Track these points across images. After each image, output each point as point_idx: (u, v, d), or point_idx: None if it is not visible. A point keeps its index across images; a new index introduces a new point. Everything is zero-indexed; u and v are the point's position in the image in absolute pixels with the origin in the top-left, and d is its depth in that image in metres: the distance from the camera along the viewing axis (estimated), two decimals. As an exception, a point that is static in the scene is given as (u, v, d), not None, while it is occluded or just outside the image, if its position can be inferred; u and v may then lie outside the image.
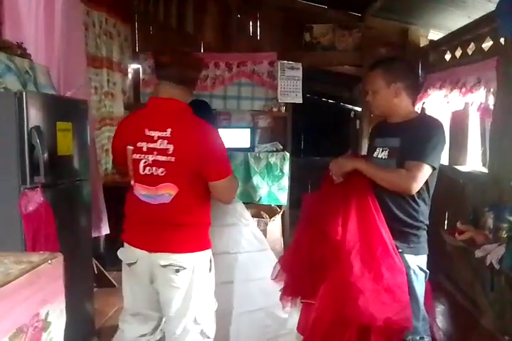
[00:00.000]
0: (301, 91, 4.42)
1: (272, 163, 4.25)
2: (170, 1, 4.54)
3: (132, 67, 4.52)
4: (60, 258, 1.14)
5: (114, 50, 3.97)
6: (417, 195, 1.69)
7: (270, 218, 4.08)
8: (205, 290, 1.71)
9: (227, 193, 1.74)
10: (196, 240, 1.68)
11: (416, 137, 1.67)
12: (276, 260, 2.54)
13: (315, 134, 8.42)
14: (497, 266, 2.08)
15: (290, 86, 4.42)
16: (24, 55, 2.21)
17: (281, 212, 4.24)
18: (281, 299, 1.91)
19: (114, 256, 3.56)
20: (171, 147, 1.57)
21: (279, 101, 4.46)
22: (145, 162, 1.61)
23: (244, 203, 4.25)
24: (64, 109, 2.23)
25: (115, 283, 3.31)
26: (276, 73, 4.42)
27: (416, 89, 1.85)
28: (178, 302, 1.66)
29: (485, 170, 2.90)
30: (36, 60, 2.32)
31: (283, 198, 4.30)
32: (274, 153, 4.29)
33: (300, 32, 4.46)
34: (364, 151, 4.56)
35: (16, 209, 1.85)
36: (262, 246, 2.48)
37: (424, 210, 1.74)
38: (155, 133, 1.60)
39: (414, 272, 1.71)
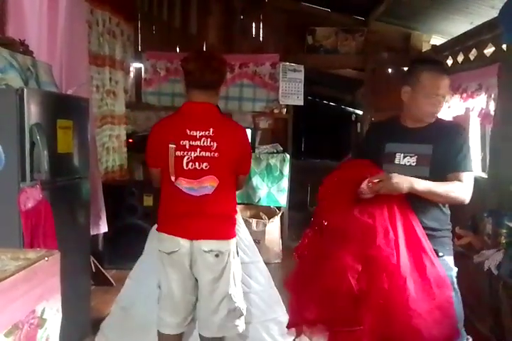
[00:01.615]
0: (302, 93, 4.42)
1: (272, 164, 4.25)
2: (174, 1, 4.55)
3: (134, 66, 4.53)
4: (57, 255, 1.14)
5: (117, 48, 3.98)
6: None
7: (269, 219, 4.08)
8: (237, 271, 1.94)
9: (242, 186, 2.03)
10: (231, 229, 1.91)
11: (455, 145, 1.66)
12: (267, 272, 2.51)
13: (316, 136, 8.42)
14: (495, 272, 2.08)
15: (292, 88, 4.43)
16: (27, 52, 2.22)
17: (280, 214, 4.23)
18: (301, 328, 1.74)
19: (112, 254, 3.61)
20: (214, 144, 1.79)
21: (281, 103, 4.46)
22: (188, 158, 1.80)
23: (243, 204, 4.30)
24: (65, 106, 2.23)
25: (113, 281, 3.30)
26: (278, 75, 4.42)
27: None
28: (215, 282, 1.86)
29: (484, 175, 2.90)
30: (39, 57, 2.33)
31: (282, 200, 4.30)
32: (275, 155, 4.29)
33: (303, 34, 4.47)
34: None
35: (14, 205, 1.85)
36: (254, 257, 2.44)
37: (449, 213, 1.76)
38: (197, 133, 1.80)
39: (455, 273, 1.71)
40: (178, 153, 1.80)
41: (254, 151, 4.33)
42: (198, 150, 1.79)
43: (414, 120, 1.74)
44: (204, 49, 4.55)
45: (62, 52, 2.61)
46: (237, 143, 1.85)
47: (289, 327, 1.78)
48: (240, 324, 1.97)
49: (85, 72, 2.89)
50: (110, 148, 3.88)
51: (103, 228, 3.09)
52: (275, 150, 4.37)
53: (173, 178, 1.83)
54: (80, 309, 2.38)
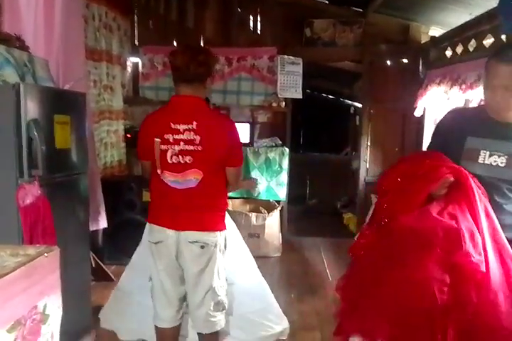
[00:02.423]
0: (301, 86, 4.40)
1: (271, 158, 4.25)
2: (170, -6, 4.52)
3: (132, 60, 4.50)
4: (56, 251, 1.14)
5: (114, 43, 3.95)
6: None
7: (268, 213, 4.09)
8: (221, 264, 1.93)
9: (237, 179, 1.99)
10: (218, 221, 1.91)
11: None
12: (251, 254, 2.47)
13: (314, 130, 8.40)
14: None
15: (290, 81, 4.41)
16: (23, 47, 2.20)
17: (279, 208, 4.24)
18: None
19: (111, 249, 3.62)
20: (197, 138, 1.79)
21: (279, 96, 4.45)
22: (172, 152, 1.81)
23: (242, 198, 4.30)
24: (62, 101, 2.22)
25: (113, 277, 3.31)
26: (276, 68, 4.40)
27: None
28: (200, 274, 1.88)
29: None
30: (35, 52, 2.31)
31: (282, 193, 4.30)
32: (273, 149, 4.29)
33: (301, 27, 4.45)
34: (364, 147, 4.61)
35: (13, 202, 1.85)
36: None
37: None
38: (180, 127, 1.80)
39: None
40: (162, 147, 1.82)
41: (252, 145, 4.33)
42: (182, 143, 1.80)
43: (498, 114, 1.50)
44: (201, 42, 4.53)
45: (59, 47, 2.59)
46: (222, 136, 1.83)
47: (336, 333, 1.63)
48: (222, 318, 1.97)
49: (82, 67, 2.87)
50: (108, 144, 3.87)
51: (102, 223, 3.09)
52: (274, 144, 4.37)
53: (159, 171, 1.86)
54: (80, 304, 2.38)
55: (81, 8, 3.04)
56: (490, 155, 1.49)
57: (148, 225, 1.98)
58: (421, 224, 1.41)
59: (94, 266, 3.11)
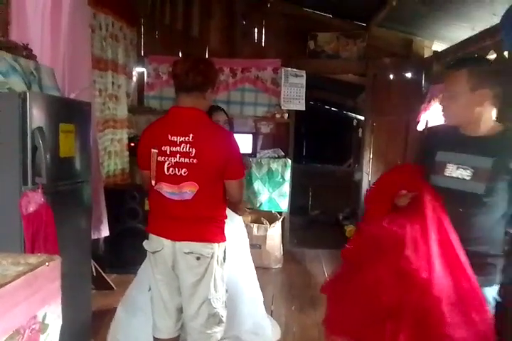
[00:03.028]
0: (304, 98, 4.43)
1: (273, 169, 4.25)
2: (176, 5, 4.58)
3: (137, 70, 4.54)
4: (57, 260, 1.13)
5: (120, 52, 3.99)
6: None
7: (270, 224, 4.07)
8: (219, 276, 1.90)
9: (239, 192, 1.94)
10: (215, 233, 1.88)
11: None
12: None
13: (317, 141, 8.43)
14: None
15: (293, 93, 4.44)
16: (30, 55, 2.23)
17: (281, 219, 4.23)
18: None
19: (113, 258, 3.60)
20: (193, 150, 1.78)
21: (282, 107, 4.47)
22: (169, 164, 1.80)
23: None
24: (67, 110, 2.24)
25: (113, 286, 3.30)
26: (279, 80, 4.43)
27: (501, 100, 1.53)
28: (196, 285, 1.85)
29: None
30: (41, 61, 2.34)
31: (283, 205, 4.29)
32: (276, 160, 4.29)
33: (305, 39, 4.49)
34: (367, 159, 4.62)
35: (16, 209, 1.86)
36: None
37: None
38: (177, 138, 1.79)
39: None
40: (159, 158, 1.82)
41: (255, 156, 4.34)
42: (178, 156, 1.79)
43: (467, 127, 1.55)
44: (206, 53, 4.58)
45: (65, 56, 2.62)
46: (219, 149, 1.80)
47: (326, 336, 1.72)
48: (219, 331, 1.93)
49: (88, 76, 2.90)
50: (112, 152, 3.88)
51: (104, 232, 3.09)
52: (276, 155, 4.38)
53: (153, 182, 1.85)
54: (80, 313, 2.37)
55: (88, 17, 3.09)
56: (457, 169, 1.53)
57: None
58: (378, 231, 1.53)
59: (95, 274, 3.10)
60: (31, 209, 1.89)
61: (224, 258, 1.92)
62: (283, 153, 4.43)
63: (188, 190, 1.80)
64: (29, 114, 1.89)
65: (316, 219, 5.90)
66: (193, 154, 1.78)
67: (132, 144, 4.28)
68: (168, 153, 1.80)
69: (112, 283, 3.30)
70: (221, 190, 1.89)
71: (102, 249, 3.60)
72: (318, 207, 6.07)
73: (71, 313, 2.03)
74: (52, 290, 1.14)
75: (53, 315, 1.14)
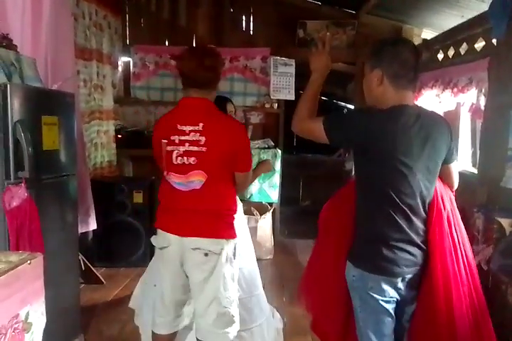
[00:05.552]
0: (293, 87, 4.39)
1: (263, 159, 4.22)
2: (162, -7, 4.48)
3: (123, 60, 4.45)
4: (39, 258, 1.11)
5: (104, 42, 3.91)
6: None
7: (261, 215, 4.07)
8: (229, 275, 1.86)
9: (246, 184, 1.99)
10: (224, 228, 1.85)
11: None
12: (267, 302, 2.46)
13: (307, 131, 8.38)
14: (485, 267, 2.08)
15: (283, 82, 4.39)
16: (10, 46, 2.15)
17: (271, 210, 4.22)
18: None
19: (101, 251, 3.58)
20: (202, 139, 1.77)
21: (272, 97, 4.43)
22: (177, 153, 1.79)
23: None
24: (50, 102, 2.18)
25: (103, 280, 3.27)
26: (269, 69, 4.38)
27: (406, 82, 1.51)
28: (204, 283, 1.82)
29: (474, 170, 2.90)
30: (22, 51, 2.26)
31: (274, 195, 4.26)
32: (266, 150, 4.26)
33: (293, 28, 4.43)
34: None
35: (-2, 204, 1.81)
36: (251, 290, 2.35)
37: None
38: (186, 128, 1.78)
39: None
40: (168, 148, 1.81)
41: (245, 146, 4.30)
42: (187, 144, 1.78)
43: None
44: (194, 42, 4.49)
45: (47, 45, 2.54)
46: (228, 139, 1.79)
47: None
48: (231, 331, 1.88)
49: (71, 66, 2.83)
50: (99, 144, 3.82)
51: (92, 225, 3.05)
52: (266, 146, 4.34)
53: (165, 173, 1.84)
54: (68, 308, 2.34)
55: (70, 5, 3.00)
56: None
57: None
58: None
59: (83, 268, 3.07)
60: (14, 204, 1.85)
61: (234, 255, 1.88)
62: (273, 144, 4.40)
63: (197, 179, 1.79)
64: (10, 107, 1.84)
65: (306, 209, 5.91)
66: (202, 142, 1.76)
67: (119, 136, 4.22)
68: (176, 142, 1.79)
69: (101, 277, 3.28)
70: (230, 182, 1.87)
71: (90, 242, 3.56)
72: (309, 198, 6.07)
73: (59, 308, 2.01)
74: (35, 288, 1.11)
75: (37, 314, 1.11)
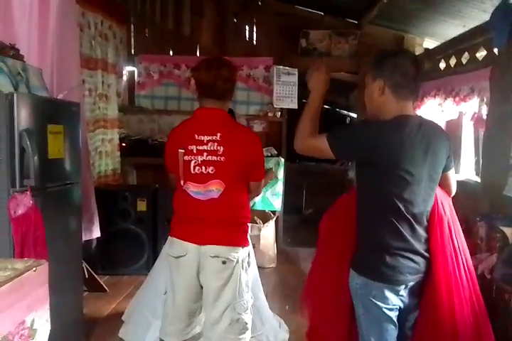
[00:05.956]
0: (296, 96, 4.42)
1: (266, 168, 4.23)
2: (166, 3, 4.55)
3: (127, 69, 4.51)
4: (44, 265, 1.12)
5: (110, 51, 3.96)
6: None
7: (264, 223, 4.06)
8: (244, 282, 1.88)
9: (259, 192, 2.06)
10: (241, 237, 1.89)
11: None
12: (270, 313, 2.47)
13: (310, 139, 8.39)
14: (488, 276, 2.08)
15: (286, 91, 4.42)
16: (17, 56, 2.19)
17: (274, 218, 4.22)
18: None
19: (105, 259, 3.58)
20: (221, 148, 1.80)
21: (275, 106, 4.46)
22: (195, 162, 1.81)
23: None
24: (55, 111, 2.21)
25: (106, 288, 3.27)
26: (272, 78, 4.42)
27: (407, 92, 1.54)
28: (221, 290, 1.83)
29: (477, 179, 2.90)
30: (29, 61, 2.30)
31: (277, 204, 4.28)
32: (269, 158, 4.27)
33: (296, 37, 4.48)
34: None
35: (4, 212, 1.83)
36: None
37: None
38: (204, 138, 1.81)
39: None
40: (186, 158, 1.83)
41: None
42: (205, 154, 1.80)
43: None
44: (197, 52, 4.54)
45: (53, 55, 2.58)
46: (245, 149, 1.83)
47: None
48: (244, 338, 1.89)
49: (77, 76, 2.86)
50: (103, 153, 3.85)
51: (96, 233, 3.06)
52: (269, 154, 4.36)
53: (182, 182, 1.85)
54: (72, 316, 2.35)
55: (76, 16, 3.05)
56: None
57: (169, 238, 1.94)
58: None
59: (87, 276, 3.07)
60: (20, 211, 1.86)
61: (248, 263, 1.91)
62: (276, 152, 4.42)
63: (215, 188, 1.80)
64: (16, 116, 1.86)
65: (309, 218, 5.89)
66: (220, 152, 1.79)
67: (124, 144, 4.25)
68: (194, 151, 1.81)
69: (104, 285, 3.28)
70: (245, 191, 1.91)
71: (94, 250, 3.56)
72: (312, 206, 6.06)
73: (63, 316, 2.02)
74: (40, 295, 1.12)
75: (41, 320, 1.12)
